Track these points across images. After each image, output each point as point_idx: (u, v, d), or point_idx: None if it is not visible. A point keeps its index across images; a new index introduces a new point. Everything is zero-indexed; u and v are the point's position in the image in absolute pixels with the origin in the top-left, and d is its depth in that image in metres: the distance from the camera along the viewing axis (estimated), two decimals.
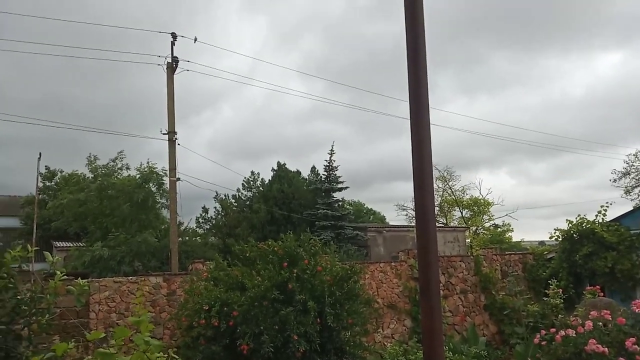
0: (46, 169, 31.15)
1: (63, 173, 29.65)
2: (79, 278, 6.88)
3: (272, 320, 7.35)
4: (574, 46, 59.04)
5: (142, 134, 55.41)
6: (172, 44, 16.58)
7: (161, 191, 25.88)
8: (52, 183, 31.16)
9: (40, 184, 28.92)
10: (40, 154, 12.43)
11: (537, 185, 61.44)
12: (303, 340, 7.30)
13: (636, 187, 31.46)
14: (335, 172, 28.23)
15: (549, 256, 17.19)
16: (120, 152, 27.01)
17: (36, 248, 6.50)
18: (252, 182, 30.19)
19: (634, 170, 31.51)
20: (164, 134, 16.59)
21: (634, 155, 31.42)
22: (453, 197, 39.67)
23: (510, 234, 39.65)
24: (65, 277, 6.37)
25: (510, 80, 59.97)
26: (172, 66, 16.62)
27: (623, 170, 31.77)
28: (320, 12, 63.19)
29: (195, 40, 16.96)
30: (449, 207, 40.46)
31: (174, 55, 16.58)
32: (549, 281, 14.37)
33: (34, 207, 22.75)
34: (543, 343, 9.66)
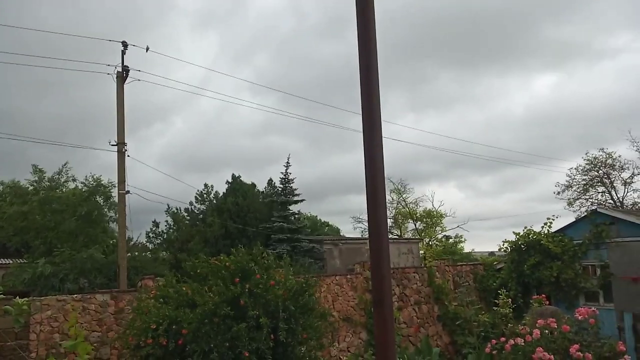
0: None
1: (4, 184, 28.10)
2: (18, 297, 6.47)
3: (224, 337, 7.15)
4: (512, 67, 63.33)
5: (91, 146, 53.35)
6: (123, 52, 16.13)
7: (108, 204, 24.99)
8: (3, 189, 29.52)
9: None
10: None
11: (484, 198, 64.25)
12: (255, 357, 7.14)
13: (578, 199, 33.07)
14: (291, 184, 28.15)
15: (498, 267, 17.74)
16: (65, 164, 25.93)
17: None
18: (205, 195, 29.64)
19: (575, 184, 33.15)
20: (112, 145, 16.04)
21: (574, 169, 33.08)
22: (407, 210, 40.41)
23: (462, 244, 40.80)
24: (2, 296, 5.98)
25: (455, 99, 63.26)
26: (122, 75, 16.14)
27: (566, 183, 33.37)
28: (271, 31, 64.38)
29: (147, 49, 16.57)
30: (402, 219, 41.15)
31: (124, 64, 16.13)
32: (499, 291, 14.81)
33: None
34: (494, 352, 9.91)
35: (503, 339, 9.70)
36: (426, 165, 56.54)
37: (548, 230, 16.65)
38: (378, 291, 2.32)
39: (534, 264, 16.01)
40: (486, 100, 63.76)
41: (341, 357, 12.62)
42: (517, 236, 17.01)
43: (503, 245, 17.50)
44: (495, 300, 14.64)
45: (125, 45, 15.99)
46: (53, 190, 24.37)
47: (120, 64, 16.09)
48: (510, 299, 14.30)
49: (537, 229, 16.81)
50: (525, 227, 16.95)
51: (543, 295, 12.79)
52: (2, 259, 26.24)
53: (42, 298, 10.05)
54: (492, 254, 27.04)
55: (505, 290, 14.74)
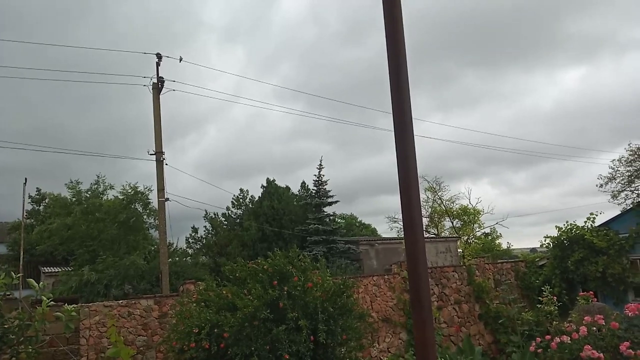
0: (37, 192, 30.86)
1: (50, 196, 29.31)
2: (67, 304, 6.76)
3: (264, 340, 7.24)
4: (538, 63, 62.34)
5: (130, 156, 55.24)
6: (157, 64, 16.60)
7: (147, 211, 25.70)
8: (40, 207, 30.86)
9: (29, 207, 28.59)
10: (25, 179, 12.25)
11: (519, 194, 63.04)
12: (295, 359, 7.19)
13: (622, 191, 31.76)
14: (325, 186, 28.22)
15: (540, 263, 17.27)
16: (101, 175, 26.82)
17: (20, 275, 6.37)
18: (241, 200, 30.07)
19: (619, 175, 31.86)
20: (151, 154, 16.51)
21: (617, 160, 31.82)
22: (443, 208, 39.82)
23: (499, 241, 39.89)
24: (53, 303, 6.26)
25: (481, 97, 62.64)
26: (158, 86, 16.61)
27: (608, 175, 32.12)
28: (294, 41, 65.98)
29: (181, 59, 16.99)
30: (439, 218, 40.57)
31: (160, 75, 16.59)
32: (542, 288, 14.40)
33: (20, 232, 22.43)
34: (539, 351, 9.66)
35: (548, 337, 9.45)
36: (457, 163, 55.93)
37: (592, 224, 16.10)
38: (416, 291, 2.32)
39: (578, 259, 15.50)
40: (513, 97, 62.96)
41: (381, 357, 12.56)
42: (560, 231, 16.51)
43: (545, 241, 17.04)
44: (539, 298, 14.25)
45: (159, 57, 16.45)
46: (94, 198, 25.27)
47: (156, 76, 16.55)
48: (554, 296, 13.89)
49: (579, 223, 16.28)
50: (567, 222, 16.45)
51: (590, 292, 12.38)
52: (51, 268, 27.36)
53: (89, 304, 10.44)
54: (533, 250, 26.31)
55: (548, 287, 14.32)
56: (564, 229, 16.43)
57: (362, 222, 46.23)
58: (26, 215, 26.03)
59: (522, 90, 64.61)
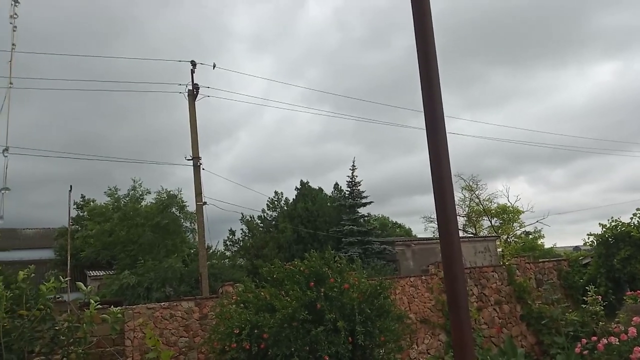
0: (81, 198, 32.14)
1: (92, 203, 30.44)
2: (112, 306, 7.01)
3: (303, 341, 7.31)
4: (568, 59, 60.88)
5: (167, 163, 56.82)
6: (192, 71, 17.02)
7: (183, 214, 26.32)
8: (84, 213, 32.13)
9: (75, 213, 29.79)
10: (70, 186, 12.81)
11: (557, 191, 61.39)
12: None
13: None
14: (359, 187, 28.17)
15: (584, 262, 16.69)
16: (137, 179, 27.60)
17: (69, 278, 6.67)
18: (276, 202, 30.36)
19: None
20: (188, 159, 16.91)
21: None
22: (480, 207, 39.03)
23: (542, 240, 38.78)
24: (99, 305, 6.51)
25: (509, 95, 61.37)
26: (193, 93, 17.02)
27: None
28: (320, 46, 67.13)
29: (214, 66, 17.35)
30: (477, 217, 39.79)
31: (194, 82, 16.99)
32: (587, 287, 13.90)
33: (66, 238, 23.40)
34: (585, 352, 9.35)
35: (594, 338, 9.14)
36: (490, 161, 55.03)
37: (638, 220, 15.45)
38: (452, 292, 2.31)
39: (625, 257, 14.90)
40: (543, 94, 61.68)
41: (420, 359, 12.43)
42: (604, 228, 15.92)
43: (588, 239, 16.46)
44: (584, 298, 13.78)
45: (194, 64, 16.85)
46: (132, 204, 26.10)
47: (191, 83, 16.96)
48: (599, 296, 13.39)
49: (624, 220, 15.64)
50: (612, 219, 15.84)
51: (638, 291, 11.88)
52: (96, 272, 28.37)
53: (133, 307, 10.78)
54: (577, 248, 25.46)
55: (593, 287, 13.82)
56: (608, 225, 15.83)
57: (396, 222, 45.89)
58: (72, 222, 27.11)
59: (552, 87, 63.37)
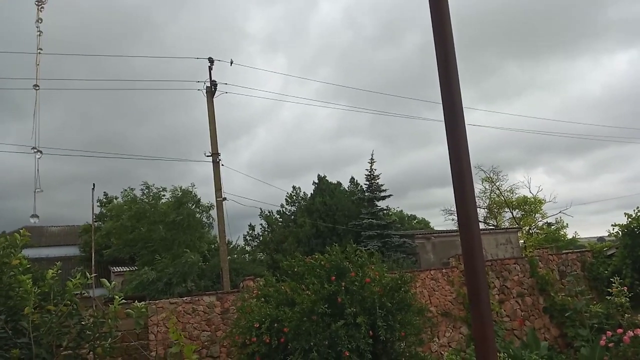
0: (104, 196, 32.78)
1: (115, 201, 31.02)
2: (136, 301, 7.14)
3: (323, 335, 7.33)
4: (581, 50, 59.84)
5: (187, 160, 57.77)
6: (210, 68, 17.13)
7: (199, 209, 26.65)
8: (105, 211, 32.78)
9: (98, 211, 30.44)
10: (94, 184, 13.08)
11: (577, 181, 60.46)
12: (355, 355, 7.22)
13: None
14: (377, 180, 28.07)
15: (609, 253, 16.37)
16: (149, 182, 28.02)
17: (95, 275, 6.81)
18: (294, 197, 30.47)
19: None
20: (207, 156, 17.07)
21: None
22: (502, 198, 38.54)
23: (565, 231, 38.16)
24: (124, 301, 6.64)
25: (524, 87, 60.67)
26: (211, 90, 17.14)
27: None
28: (331, 45, 67.78)
29: (232, 62, 17.44)
30: (498, 209, 39.32)
31: (212, 79, 17.11)
32: (612, 279, 13.65)
33: (90, 235, 23.90)
34: (610, 345, 9.21)
35: (620, 330, 8.99)
36: (507, 153, 54.57)
37: None
38: (472, 285, 2.30)
39: None
40: (558, 85, 60.86)
41: (442, 352, 12.38)
42: (630, 218, 15.58)
43: (613, 229, 16.13)
44: (608, 289, 13.54)
45: (211, 61, 16.96)
46: (150, 202, 26.57)
47: (209, 80, 17.08)
48: (625, 287, 13.13)
49: None
50: (638, 208, 15.48)
51: None
52: (119, 268, 28.94)
53: (156, 302, 10.96)
54: (601, 239, 24.98)
55: (619, 278, 13.56)
56: (634, 215, 15.49)
57: (414, 215, 45.69)
58: (95, 219, 27.68)
59: (567, 78, 62.58)
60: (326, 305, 7.46)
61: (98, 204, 31.04)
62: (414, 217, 45.30)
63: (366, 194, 27.81)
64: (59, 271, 6.31)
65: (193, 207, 26.66)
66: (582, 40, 64.10)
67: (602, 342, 9.43)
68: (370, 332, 7.52)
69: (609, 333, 9.41)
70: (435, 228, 40.84)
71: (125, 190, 28.04)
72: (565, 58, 62.86)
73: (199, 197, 26.61)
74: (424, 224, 44.17)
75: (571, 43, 63.99)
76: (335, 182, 30.11)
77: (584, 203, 74.64)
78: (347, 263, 8.22)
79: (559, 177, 61.26)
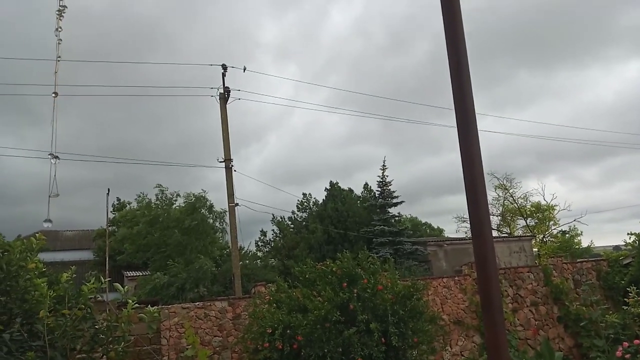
0: (117, 201, 33.10)
1: (128, 206, 31.34)
2: (149, 306, 7.19)
3: (336, 342, 7.31)
4: (592, 58, 59.97)
5: (200, 166, 58.38)
6: (223, 75, 17.28)
7: (212, 215, 26.79)
8: (118, 216, 33.10)
9: (112, 215, 30.76)
10: (108, 189, 13.24)
11: (591, 189, 59.83)
12: None
13: None
14: (389, 187, 27.98)
15: (625, 262, 16.11)
16: (163, 185, 28.15)
17: (109, 279, 6.88)
18: (306, 204, 30.50)
19: None
20: (220, 161, 17.17)
21: None
22: (515, 205, 38.14)
23: (579, 238, 37.63)
24: (137, 305, 6.69)
25: (535, 95, 60.71)
26: (225, 96, 17.28)
27: None
28: (342, 54, 68.92)
29: (245, 69, 17.58)
30: (511, 216, 38.91)
31: (226, 85, 17.26)
32: (628, 289, 13.43)
33: (104, 239, 24.15)
34: (627, 356, 9.04)
35: (637, 341, 8.83)
36: (519, 161, 54.33)
37: None
38: (485, 293, 2.28)
39: None
40: (569, 93, 60.76)
41: None
42: None
43: (629, 237, 15.88)
44: (625, 299, 13.31)
45: (225, 68, 17.11)
46: (163, 208, 26.78)
47: (222, 86, 17.23)
48: None
49: None
50: None
51: None
52: (133, 272, 29.16)
53: (169, 306, 11.02)
54: (617, 248, 24.58)
55: (635, 288, 13.33)
56: None
57: (427, 222, 45.43)
58: (109, 224, 27.97)
59: (578, 86, 62.37)
60: (339, 313, 7.46)
61: (111, 209, 31.39)
62: (429, 225, 45.07)
63: (378, 200, 27.73)
64: (74, 275, 6.38)
65: (206, 212, 26.81)
66: (592, 48, 64.21)
67: (619, 353, 9.26)
68: (383, 339, 7.49)
69: (626, 344, 9.25)
70: (448, 235, 40.58)
71: (140, 195, 28.33)
72: (576, 66, 62.89)
73: (211, 202, 26.78)
74: (438, 231, 43.88)
75: (582, 51, 64.10)
76: (348, 188, 30.09)
77: (598, 211, 73.70)
78: (359, 270, 8.21)
79: (571, 185, 60.81)
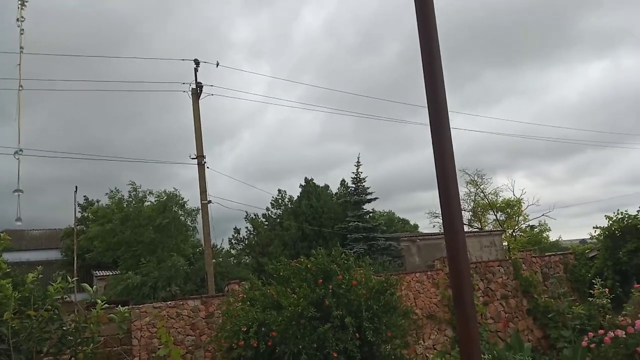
0: (85, 199, 32.29)
1: (97, 204, 30.61)
2: (119, 306, 7.03)
3: (310, 338, 7.32)
4: (555, 59, 62.64)
5: (172, 163, 57.63)
6: (195, 70, 17.03)
7: (183, 213, 26.44)
8: (87, 214, 32.30)
9: (79, 215, 29.95)
10: (76, 187, 12.86)
11: (558, 185, 62.05)
12: (343, 357, 7.23)
13: None
14: (363, 183, 28.14)
15: (591, 255, 16.63)
16: (135, 183, 27.62)
17: (76, 278, 6.69)
18: (280, 200, 30.40)
19: None
20: (193, 158, 16.94)
21: None
22: (486, 201, 38.90)
23: (547, 233, 38.66)
24: (106, 305, 6.53)
25: (502, 94, 63.01)
26: (197, 92, 17.04)
27: None
28: (314, 54, 69.83)
29: (217, 64, 17.36)
30: (482, 211, 39.68)
31: (198, 81, 17.01)
32: (593, 281, 13.87)
33: (72, 238, 23.55)
34: (592, 346, 9.32)
35: (601, 331, 9.12)
36: (487, 158, 55.85)
37: None
38: (457, 287, 2.31)
39: (632, 249, 14.82)
40: (534, 93, 63.43)
41: (427, 355, 12.44)
42: (610, 221, 15.84)
43: (595, 231, 16.39)
44: (590, 291, 13.74)
45: (197, 63, 16.87)
46: (135, 205, 26.28)
47: (194, 81, 16.97)
48: (606, 289, 13.34)
49: (631, 212, 15.56)
50: (618, 211, 15.74)
51: None
52: (102, 272, 28.52)
53: (140, 306, 10.83)
54: (583, 241, 25.35)
55: (600, 280, 13.78)
56: (614, 218, 15.76)
57: (402, 218, 45.92)
58: (77, 223, 27.25)
59: (543, 87, 64.86)
60: (314, 309, 7.46)
61: (79, 208, 30.56)
62: (406, 222, 45.57)
63: (353, 197, 27.86)
64: (40, 275, 6.18)
65: (178, 210, 26.44)
66: (556, 50, 66.90)
67: (584, 343, 9.55)
68: (357, 334, 7.53)
69: (591, 334, 9.53)
70: (422, 231, 41.13)
71: (112, 191, 27.64)
72: (541, 67, 65.36)
73: (185, 199, 26.40)
74: (413, 227, 44.40)
75: (546, 53, 66.86)
76: (324, 185, 30.13)
77: (565, 206, 76.12)
78: (334, 266, 8.23)
79: (539, 181, 62.79)
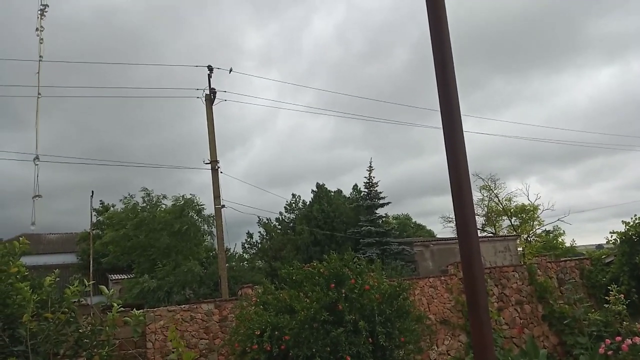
0: (100, 204, 32.69)
1: (112, 208, 30.94)
2: (134, 309, 7.11)
3: (324, 342, 7.32)
4: (564, 64, 62.33)
5: (187, 167, 58.29)
6: (209, 76, 17.20)
7: (199, 218, 26.56)
8: (103, 219, 32.65)
9: (95, 219, 30.33)
10: (92, 192, 13.09)
11: (571, 190, 61.60)
12: None
13: None
14: (376, 188, 28.08)
15: (607, 260, 16.37)
16: (148, 188, 27.85)
17: (93, 282, 6.79)
18: (293, 205, 30.46)
19: None
20: (206, 163, 17.07)
21: None
22: (499, 206, 38.56)
23: (562, 238, 38.17)
24: (121, 309, 6.61)
25: (511, 100, 62.95)
26: (210, 97, 17.19)
27: None
28: (323, 60, 70.60)
29: (230, 70, 17.51)
30: (496, 217, 39.33)
31: (212, 87, 17.17)
32: (610, 287, 13.66)
33: (88, 242, 23.82)
34: (609, 353, 9.20)
35: (619, 338, 8.99)
36: (499, 162, 55.55)
37: None
38: (471, 293, 2.30)
39: None
40: (544, 98, 62.85)
41: None
42: (627, 226, 15.59)
43: (611, 236, 16.14)
44: (606, 297, 13.53)
45: (210, 69, 17.03)
46: (149, 210, 26.47)
47: (208, 87, 17.14)
48: (622, 295, 13.13)
49: None
50: (636, 216, 15.49)
51: None
52: (117, 275, 28.81)
53: (154, 309, 10.91)
54: (599, 247, 24.97)
55: (616, 286, 13.56)
56: (632, 223, 15.50)
57: (417, 222, 45.69)
58: (92, 227, 27.57)
59: (552, 91, 64.40)
60: (327, 313, 7.47)
61: (95, 212, 30.93)
62: (423, 227, 45.37)
63: (365, 201, 27.81)
64: (57, 279, 6.28)
65: (195, 215, 26.57)
66: (565, 55, 66.73)
67: (601, 350, 9.41)
68: (370, 339, 7.52)
69: (608, 341, 9.40)
70: (435, 235, 40.88)
71: (125, 197, 27.94)
72: (549, 72, 65.19)
73: (202, 205, 26.48)
74: (427, 232, 44.13)
75: (555, 58, 66.65)
76: (337, 189, 30.15)
77: (581, 211, 75.21)
78: (347, 270, 8.23)
79: (552, 185, 62.31)
